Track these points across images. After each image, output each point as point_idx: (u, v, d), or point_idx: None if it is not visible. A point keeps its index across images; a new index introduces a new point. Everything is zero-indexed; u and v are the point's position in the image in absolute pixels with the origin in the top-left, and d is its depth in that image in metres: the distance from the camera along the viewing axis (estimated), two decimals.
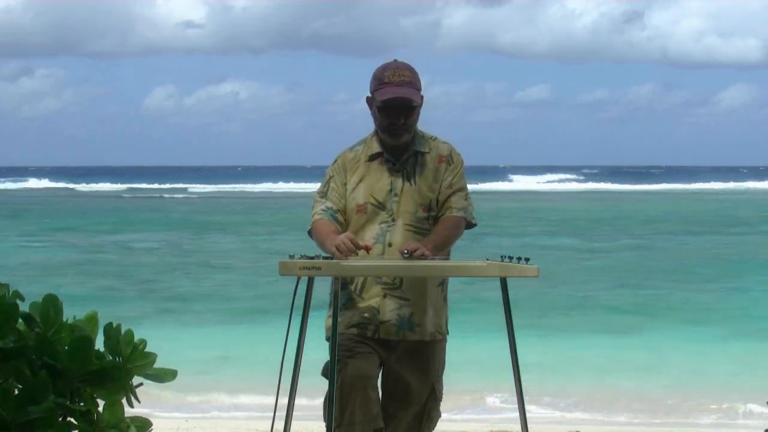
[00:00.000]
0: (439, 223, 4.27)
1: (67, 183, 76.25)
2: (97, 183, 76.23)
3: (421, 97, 4.30)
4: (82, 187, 70.33)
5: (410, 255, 3.97)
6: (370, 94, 4.31)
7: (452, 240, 4.25)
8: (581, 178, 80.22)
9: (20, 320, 2.42)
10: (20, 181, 78.97)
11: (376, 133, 4.37)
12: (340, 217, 4.29)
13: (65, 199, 51.55)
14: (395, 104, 4.21)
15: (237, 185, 71.67)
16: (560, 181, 77.17)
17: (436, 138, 4.42)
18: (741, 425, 8.03)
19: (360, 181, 4.32)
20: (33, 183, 76.37)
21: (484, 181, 67.30)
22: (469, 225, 4.34)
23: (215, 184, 74.29)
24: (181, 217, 34.64)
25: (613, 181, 76.07)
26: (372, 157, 4.34)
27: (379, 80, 4.25)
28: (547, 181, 75.81)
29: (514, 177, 78.61)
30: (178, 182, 76.80)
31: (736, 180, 79.63)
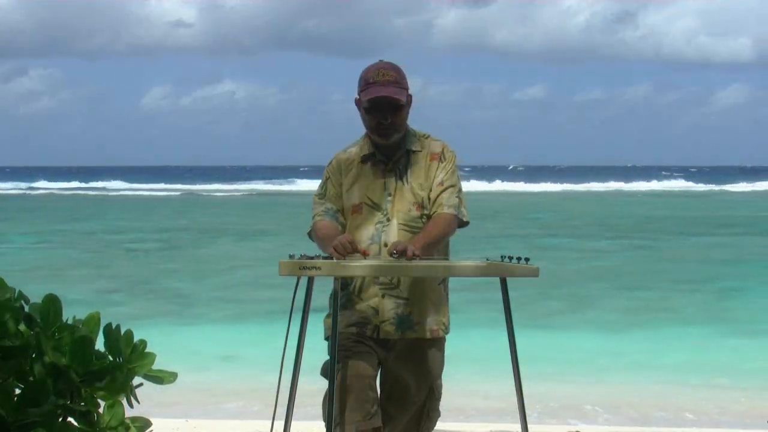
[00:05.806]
0: (430, 221, 4.22)
1: (67, 182, 76.21)
2: (92, 182, 76.22)
3: (409, 96, 4.28)
4: (81, 186, 70.25)
5: (399, 256, 3.88)
6: (357, 96, 4.30)
7: (442, 238, 4.18)
8: (577, 177, 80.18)
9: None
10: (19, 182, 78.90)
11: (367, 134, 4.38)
12: (341, 218, 4.29)
13: (63, 198, 51.50)
14: (381, 103, 4.20)
15: (235, 185, 71.68)
16: (556, 181, 77.22)
17: (428, 136, 4.40)
18: (741, 424, 8.02)
19: (354, 182, 4.32)
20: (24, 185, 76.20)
21: (480, 179, 67.30)
22: (462, 223, 4.31)
23: (213, 183, 74.29)
24: (180, 216, 34.60)
25: (610, 180, 76.10)
26: (365, 158, 4.35)
27: (365, 81, 4.24)
28: (544, 182, 75.81)
29: (511, 177, 78.57)
30: (176, 182, 76.79)
31: (731, 180, 79.67)
